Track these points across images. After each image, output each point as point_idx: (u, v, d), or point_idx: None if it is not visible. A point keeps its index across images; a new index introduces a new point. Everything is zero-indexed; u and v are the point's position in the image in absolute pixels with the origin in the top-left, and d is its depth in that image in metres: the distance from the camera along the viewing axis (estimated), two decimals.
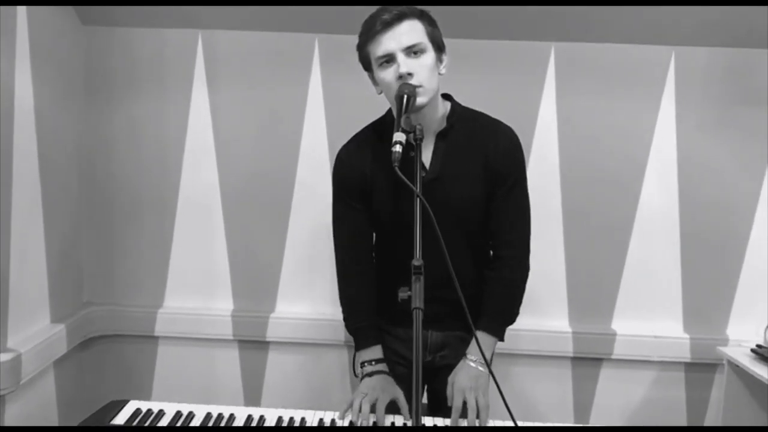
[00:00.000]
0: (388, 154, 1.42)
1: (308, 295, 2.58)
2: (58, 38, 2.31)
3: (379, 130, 1.78)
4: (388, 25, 1.57)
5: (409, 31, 1.58)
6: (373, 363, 1.76)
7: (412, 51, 1.58)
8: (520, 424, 1.51)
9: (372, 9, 1.65)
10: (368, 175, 1.74)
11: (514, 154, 1.75)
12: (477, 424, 1.61)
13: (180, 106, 2.51)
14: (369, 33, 1.61)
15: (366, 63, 1.68)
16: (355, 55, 2.47)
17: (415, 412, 1.11)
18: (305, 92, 2.50)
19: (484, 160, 1.72)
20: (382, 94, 1.69)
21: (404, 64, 1.57)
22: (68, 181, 2.43)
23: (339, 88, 2.48)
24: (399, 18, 1.58)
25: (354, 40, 2.46)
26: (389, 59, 1.59)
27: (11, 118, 2.03)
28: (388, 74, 1.60)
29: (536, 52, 2.44)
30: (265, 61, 2.48)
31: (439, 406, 1.80)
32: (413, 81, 1.57)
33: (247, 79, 2.49)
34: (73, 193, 2.48)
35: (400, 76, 1.57)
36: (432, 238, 1.33)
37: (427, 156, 1.71)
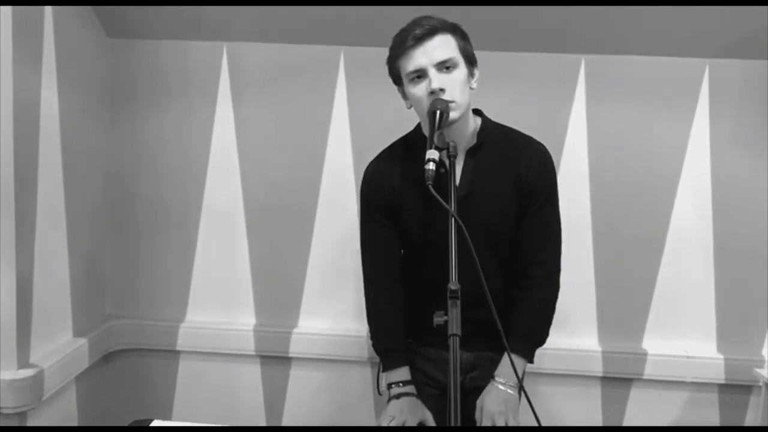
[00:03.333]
0: (417, 170, 1.39)
1: (331, 311, 2.55)
2: (83, 51, 2.31)
3: (408, 146, 1.75)
4: (420, 39, 1.54)
5: (442, 46, 1.55)
6: (401, 385, 1.73)
7: (444, 66, 1.55)
8: None
9: (401, 20, 1.62)
10: (397, 192, 1.71)
11: (546, 171, 1.72)
12: None
13: (204, 118, 2.49)
14: (400, 47, 1.57)
15: (396, 77, 1.65)
16: (381, 68, 2.43)
17: None
18: (330, 105, 2.47)
19: (515, 176, 1.69)
20: (412, 109, 1.66)
21: (436, 79, 1.53)
22: (92, 194, 2.42)
23: (364, 100, 2.45)
24: (431, 32, 1.55)
25: (379, 52, 2.42)
26: (420, 74, 1.56)
27: (37, 131, 2.03)
28: (419, 89, 1.57)
29: (566, 64, 2.40)
30: (290, 73, 2.45)
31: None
32: (445, 96, 1.53)
33: (271, 91, 2.47)
34: (97, 206, 2.47)
35: (432, 92, 1.53)
36: (461, 256, 1.29)
37: (457, 172, 1.67)
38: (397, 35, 1.60)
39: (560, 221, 1.75)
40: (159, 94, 2.48)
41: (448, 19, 1.61)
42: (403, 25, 1.62)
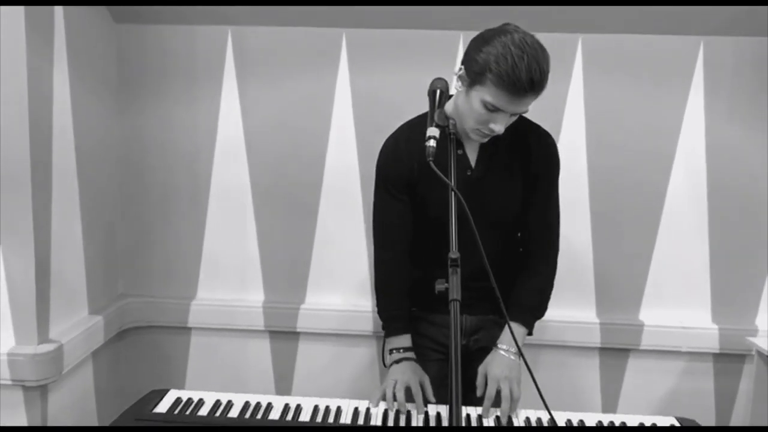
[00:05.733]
0: (437, 148, 1.45)
1: (337, 287, 2.62)
2: (92, 37, 2.36)
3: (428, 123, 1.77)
4: (524, 92, 1.49)
5: (530, 103, 1.55)
6: (401, 351, 1.81)
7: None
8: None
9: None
10: (416, 168, 1.74)
11: (554, 159, 1.81)
12: (508, 414, 1.65)
13: (211, 101, 2.55)
14: (501, 75, 1.47)
15: (475, 72, 1.53)
16: (382, 49, 2.49)
17: (456, 407, 1.13)
18: (333, 86, 2.52)
19: (526, 162, 1.77)
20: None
21: (502, 123, 1.56)
22: (104, 176, 2.49)
23: (366, 81, 2.50)
24: (537, 90, 1.51)
25: (381, 34, 2.48)
26: (495, 109, 1.54)
27: (50, 115, 2.09)
28: (481, 112, 1.55)
29: (563, 44, 2.44)
30: (293, 56, 2.50)
31: (469, 392, 1.80)
32: (495, 133, 1.58)
33: (276, 74, 2.52)
34: (109, 188, 2.54)
35: (491, 129, 1.57)
36: (469, 230, 1.36)
37: (472, 156, 1.75)
38: (511, 59, 1.46)
39: (559, 204, 1.85)
40: (166, 78, 2.54)
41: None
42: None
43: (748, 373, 2.55)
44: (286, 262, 2.63)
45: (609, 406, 2.64)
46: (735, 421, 2.61)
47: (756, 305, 2.56)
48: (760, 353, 2.39)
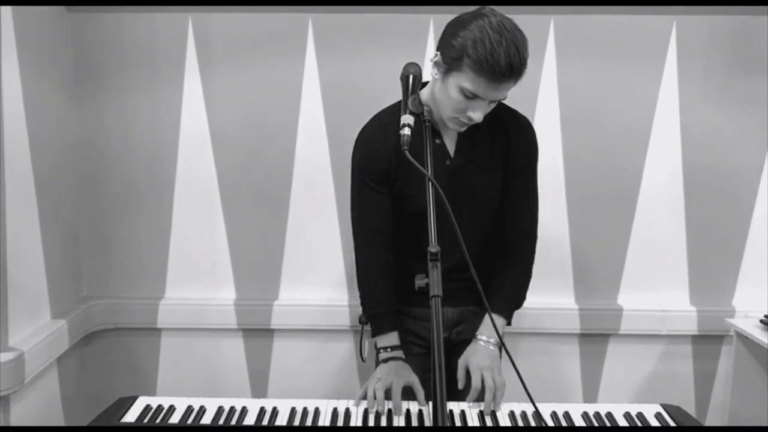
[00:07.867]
0: (415, 137, 1.39)
1: (311, 282, 2.55)
2: (43, 26, 2.23)
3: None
4: (503, 78, 1.43)
5: (509, 88, 1.49)
6: (389, 350, 1.75)
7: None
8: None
9: None
10: (393, 160, 1.68)
11: (533, 146, 1.76)
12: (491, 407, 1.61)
13: (173, 92, 2.44)
14: (479, 60, 1.42)
15: (452, 58, 1.47)
16: (350, 34, 2.42)
17: (440, 401, 1.07)
18: (300, 73, 2.44)
19: (505, 150, 1.72)
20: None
21: (480, 112, 1.51)
22: (62, 174, 2.37)
23: (335, 67, 2.42)
24: (516, 75, 1.45)
25: (347, 18, 2.41)
26: (473, 97, 1.49)
27: (0, 113, 1.97)
28: (460, 100, 1.50)
29: (535, 25, 2.39)
30: (257, 42, 2.41)
31: (450, 386, 1.76)
32: (474, 121, 1.53)
33: (240, 61, 2.43)
34: (68, 185, 2.42)
35: (469, 118, 1.52)
36: (449, 222, 1.30)
37: (450, 145, 1.70)
38: (490, 45, 1.40)
39: (538, 192, 1.81)
40: (124, 69, 2.42)
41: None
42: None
43: (727, 353, 2.55)
44: (258, 258, 2.55)
45: (590, 392, 2.62)
46: (714, 402, 2.62)
47: (733, 286, 2.56)
48: (738, 334, 2.39)
